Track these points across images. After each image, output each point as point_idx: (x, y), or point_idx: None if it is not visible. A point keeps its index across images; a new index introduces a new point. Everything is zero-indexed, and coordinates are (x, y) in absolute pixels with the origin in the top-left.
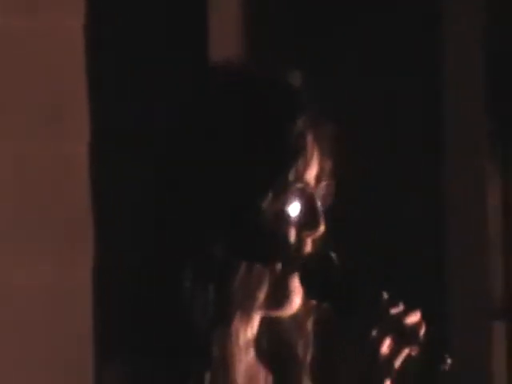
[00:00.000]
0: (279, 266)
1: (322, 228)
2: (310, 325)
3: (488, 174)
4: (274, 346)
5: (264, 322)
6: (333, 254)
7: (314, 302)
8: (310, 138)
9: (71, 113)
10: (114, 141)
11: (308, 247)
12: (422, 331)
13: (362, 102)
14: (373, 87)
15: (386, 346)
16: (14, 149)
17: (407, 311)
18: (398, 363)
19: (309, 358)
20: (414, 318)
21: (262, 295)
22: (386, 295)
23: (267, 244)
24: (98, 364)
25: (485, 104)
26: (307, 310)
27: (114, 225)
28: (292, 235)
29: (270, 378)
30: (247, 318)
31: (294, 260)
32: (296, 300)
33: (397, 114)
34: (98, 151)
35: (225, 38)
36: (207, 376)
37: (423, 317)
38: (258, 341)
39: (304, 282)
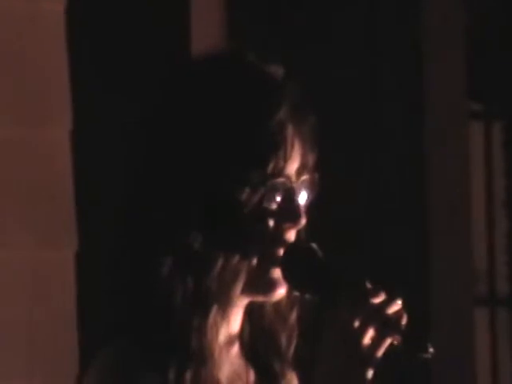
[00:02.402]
0: (260, 257)
1: (302, 221)
2: (293, 317)
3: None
4: (257, 339)
5: (247, 316)
6: (314, 245)
7: (296, 293)
8: (290, 131)
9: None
10: (96, 127)
11: (290, 238)
12: (404, 320)
13: (345, 95)
14: (357, 80)
15: (368, 336)
16: None
17: (389, 300)
18: (380, 353)
19: (292, 350)
20: (395, 307)
21: (238, 289)
22: (368, 285)
23: (245, 236)
24: (81, 357)
25: None
26: (291, 303)
27: (95, 212)
28: (271, 228)
29: (252, 375)
30: (225, 311)
31: (274, 252)
32: (281, 286)
33: (383, 112)
34: (79, 137)
35: (207, 28)
36: (188, 372)
37: (405, 305)
38: (242, 335)
39: (286, 274)
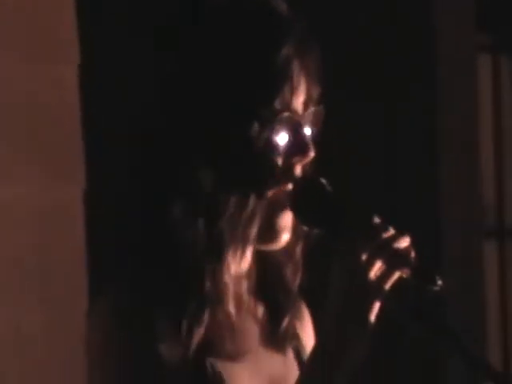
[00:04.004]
0: (268, 199)
1: (311, 154)
2: (298, 250)
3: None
4: (264, 274)
5: (254, 254)
6: (323, 180)
7: (304, 228)
8: (296, 65)
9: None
10: (104, 64)
11: (298, 173)
12: (412, 254)
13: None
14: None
15: (376, 269)
16: (3, 72)
17: (398, 235)
18: (387, 285)
19: (297, 283)
20: (404, 242)
21: (255, 230)
22: (377, 219)
23: (256, 173)
24: (89, 297)
25: None
26: (296, 237)
27: (103, 149)
28: (281, 163)
29: (261, 310)
30: (240, 252)
31: (284, 188)
32: (285, 234)
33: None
34: (88, 72)
35: None
36: (205, 312)
37: (414, 239)
38: (250, 271)
39: (295, 208)
